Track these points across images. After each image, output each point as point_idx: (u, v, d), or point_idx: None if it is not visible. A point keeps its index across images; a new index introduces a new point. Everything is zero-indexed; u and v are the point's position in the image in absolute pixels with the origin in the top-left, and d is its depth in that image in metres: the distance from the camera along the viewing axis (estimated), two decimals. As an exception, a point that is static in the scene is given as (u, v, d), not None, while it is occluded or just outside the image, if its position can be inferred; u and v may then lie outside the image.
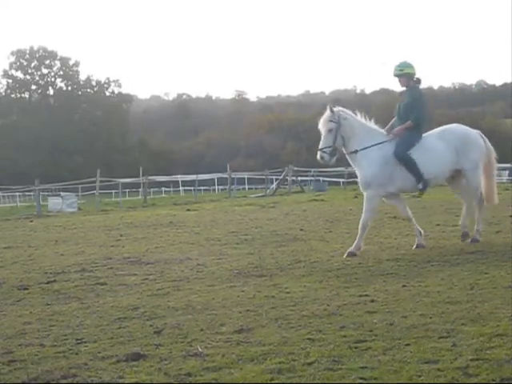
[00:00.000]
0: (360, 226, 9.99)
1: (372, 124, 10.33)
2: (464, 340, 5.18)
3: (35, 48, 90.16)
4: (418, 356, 4.85)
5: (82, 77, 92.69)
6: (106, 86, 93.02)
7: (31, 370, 5.00)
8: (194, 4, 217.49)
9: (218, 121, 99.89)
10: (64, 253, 11.65)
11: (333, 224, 14.37)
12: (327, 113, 10.10)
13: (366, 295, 6.97)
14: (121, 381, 4.70)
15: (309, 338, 5.45)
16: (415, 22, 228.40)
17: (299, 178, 40.86)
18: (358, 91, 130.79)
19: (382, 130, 10.34)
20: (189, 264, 9.72)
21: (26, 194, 50.50)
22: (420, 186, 10.10)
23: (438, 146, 10.13)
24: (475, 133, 10.59)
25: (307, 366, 4.79)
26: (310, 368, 4.74)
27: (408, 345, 5.13)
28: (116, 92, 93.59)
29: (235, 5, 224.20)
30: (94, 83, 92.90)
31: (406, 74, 10.26)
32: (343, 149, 10.12)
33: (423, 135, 10.27)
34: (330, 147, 9.98)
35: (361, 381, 4.45)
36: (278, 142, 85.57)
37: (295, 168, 39.23)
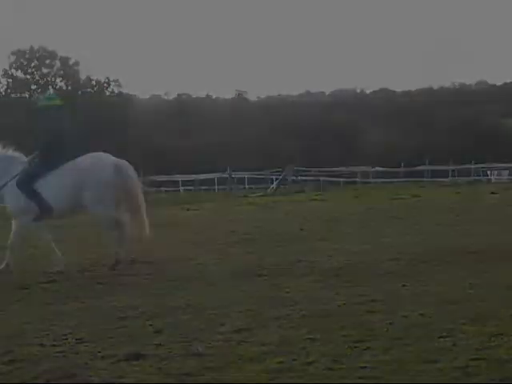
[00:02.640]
0: (8, 248, 10.16)
1: (11, 153, 10.27)
2: (464, 339, 5.18)
3: (35, 48, 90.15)
4: (418, 356, 4.85)
5: (82, 76, 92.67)
6: (105, 85, 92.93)
7: (31, 369, 5.00)
8: (193, 4, 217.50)
9: (218, 121, 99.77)
10: (64, 252, 11.64)
11: (333, 224, 14.38)
12: None
13: (366, 295, 6.97)
14: (121, 380, 4.70)
15: (309, 338, 5.44)
16: (416, 21, 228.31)
17: (299, 178, 40.85)
18: (358, 91, 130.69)
19: (22, 157, 10.26)
20: (189, 264, 9.72)
21: (26, 193, 50.45)
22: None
23: (57, 178, 9.89)
24: (102, 166, 9.93)
25: (307, 365, 4.78)
26: (310, 368, 4.73)
27: (408, 344, 5.13)
28: (116, 92, 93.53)
29: (235, 4, 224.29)
30: (93, 83, 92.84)
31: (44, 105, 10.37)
32: None
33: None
34: None
35: (361, 380, 4.45)
36: (278, 142, 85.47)
37: (295, 167, 39.23)
